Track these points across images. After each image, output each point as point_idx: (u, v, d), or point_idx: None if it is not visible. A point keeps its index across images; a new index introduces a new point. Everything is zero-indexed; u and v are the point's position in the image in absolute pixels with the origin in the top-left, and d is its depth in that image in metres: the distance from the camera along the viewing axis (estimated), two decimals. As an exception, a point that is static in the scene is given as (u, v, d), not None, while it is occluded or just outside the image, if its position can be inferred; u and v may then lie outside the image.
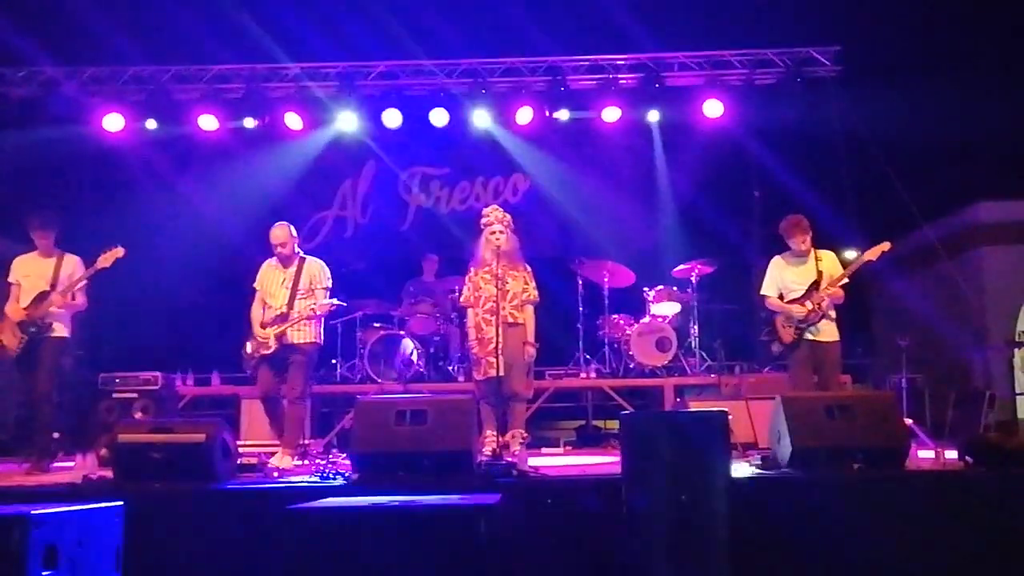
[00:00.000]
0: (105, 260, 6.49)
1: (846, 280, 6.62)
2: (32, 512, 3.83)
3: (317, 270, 6.60)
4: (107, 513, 4.26)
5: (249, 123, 10.07)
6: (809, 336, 6.62)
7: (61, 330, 6.60)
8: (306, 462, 6.46)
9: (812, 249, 6.74)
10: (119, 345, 9.43)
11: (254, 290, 6.65)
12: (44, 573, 3.63)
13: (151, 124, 10.04)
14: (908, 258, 10.94)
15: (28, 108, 9.85)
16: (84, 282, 6.62)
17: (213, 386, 8.91)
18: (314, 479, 5.26)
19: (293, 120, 10.01)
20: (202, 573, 4.73)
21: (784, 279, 6.80)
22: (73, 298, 6.61)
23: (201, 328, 8.04)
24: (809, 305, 6.59)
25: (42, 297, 6.48)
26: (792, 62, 9.76)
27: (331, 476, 5.22)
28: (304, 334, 6.45)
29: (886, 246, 6.58)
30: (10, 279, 6.66)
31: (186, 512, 4.82)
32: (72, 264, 6.61)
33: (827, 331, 6.61)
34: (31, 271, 6.62)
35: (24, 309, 6.48)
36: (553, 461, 6.58)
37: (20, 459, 6.54)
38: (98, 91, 9.98)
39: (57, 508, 4.03)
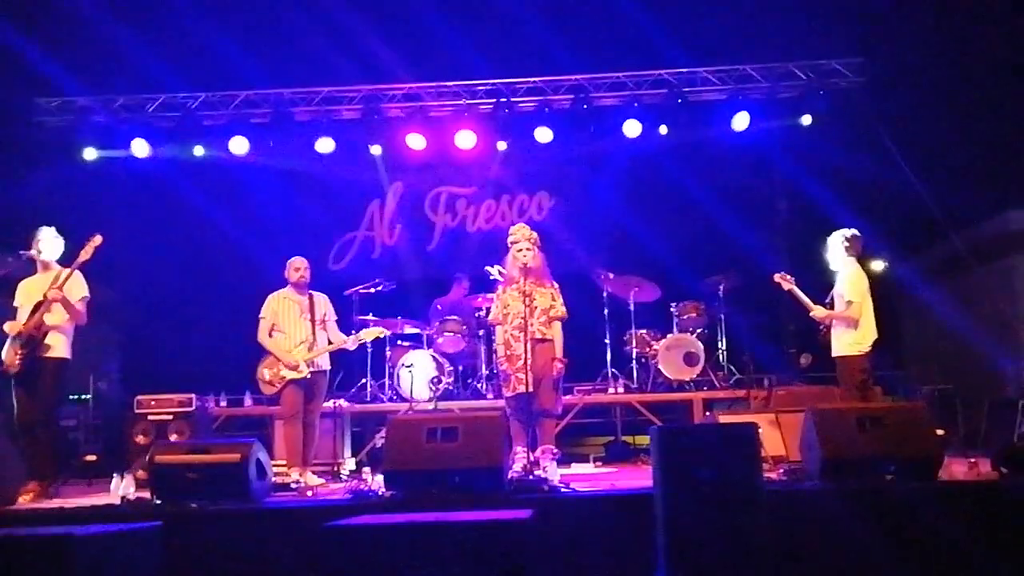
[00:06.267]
0: (86, 252, 6.53)
1: (849, 300, 6.68)
2: (75, 533, 3.92)
3: (325, 303, 7.27)
4: (146, 533, 4.35)
5: (275, 147, 10.19)
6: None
7: (60, 350, 6.49)
8: (339, 481, 6.55)
9: (853, 264, 6.87)
10: (152, 368, 9.56)
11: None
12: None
13: (179, 150, 10.18)
14: (938, 267, 10.85)
15: (62, 136, 10.05)
16: (85, 296, 6.57)
17: (246, 407, 9.00)
18: (347, 497, 5.33)
19: (323, 144, 10.07)
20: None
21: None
22: (69, 308, 6.47)
23: (232, 349, 8.15)
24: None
25: (37, 308, 6.42)
26: (815, 75, 9.78)
27: (364, 494, 5.29)
28: (327, 360, 7.15)
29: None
30: (15, 303, 6.61)
31: (223, 530, 4.90)
32: (66, 272, 6.52)
33: (835, 345, 6.84)
34: (31, 289, 6.58)
35: (22, 324, 6.41)
36: (583, 477, 6.61)
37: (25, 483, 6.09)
38: (129, 119, 10.17)
39: (98, 529, 4.12)
